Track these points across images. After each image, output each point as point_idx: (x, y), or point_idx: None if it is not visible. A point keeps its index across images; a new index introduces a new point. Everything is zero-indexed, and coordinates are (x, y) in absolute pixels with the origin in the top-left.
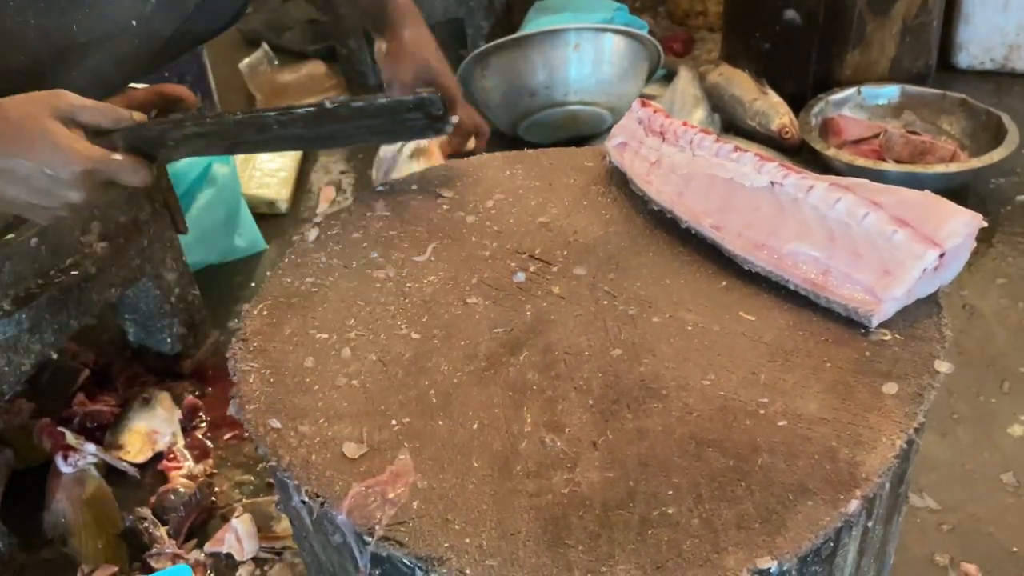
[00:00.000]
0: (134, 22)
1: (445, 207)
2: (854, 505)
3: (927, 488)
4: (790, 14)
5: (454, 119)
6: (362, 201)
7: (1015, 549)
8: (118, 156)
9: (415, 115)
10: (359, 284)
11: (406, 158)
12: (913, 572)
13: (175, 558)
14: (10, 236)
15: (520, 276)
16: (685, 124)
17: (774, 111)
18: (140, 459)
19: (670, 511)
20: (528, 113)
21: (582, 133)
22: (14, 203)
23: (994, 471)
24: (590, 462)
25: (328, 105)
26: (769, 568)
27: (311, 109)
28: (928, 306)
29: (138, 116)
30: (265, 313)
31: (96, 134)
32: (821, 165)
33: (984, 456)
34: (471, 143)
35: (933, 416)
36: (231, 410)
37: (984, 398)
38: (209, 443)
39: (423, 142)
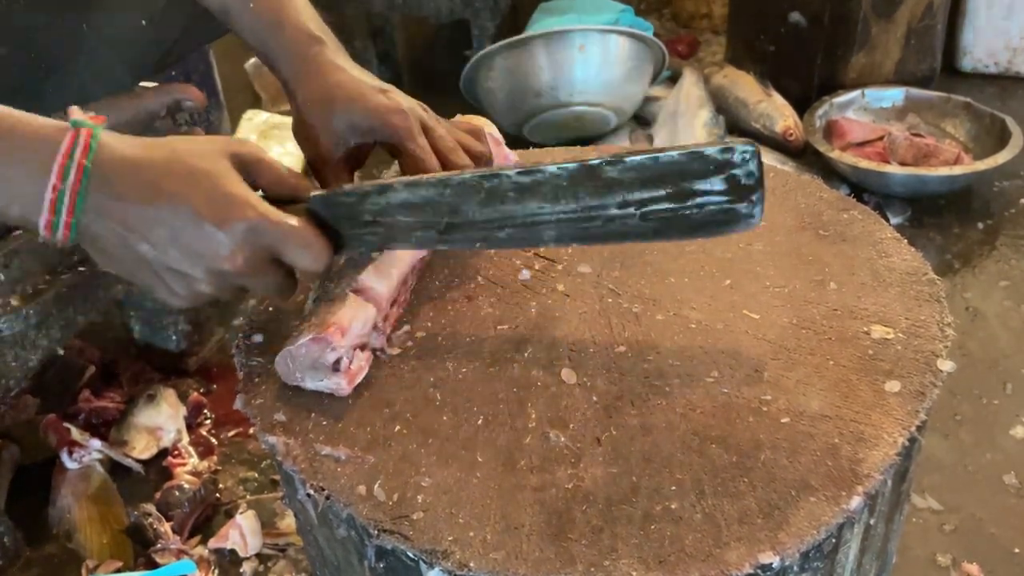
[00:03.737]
0: (143, 21)
1: None
2: (856, 502)
3: (929, 489)
4: (795, 17)
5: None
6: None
7: (1017, 550)
8: (294, 221)
9: (714, 182)
10: None
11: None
12: (915, 572)
13: (179, 554)
14: (18, 232)
15: (525, 274)
16: None
17: (778, 113)
18: (145, 455)
19: (673, 506)
20: (533, 114)
21: (587, 134)
22: (143, 266)
23: (996, 472)
24: (594, 457)
25: (594, 161)
26: (771, 563)
27: (568, 166)
28: (931, 306)
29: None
30: (271, 309)
31: (278, 203)
32: (825, 167)
33: (986, 457)
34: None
35: (935, 417)
36: (237, 404)
37: (987, 400)
38: (213, 440)
39: None
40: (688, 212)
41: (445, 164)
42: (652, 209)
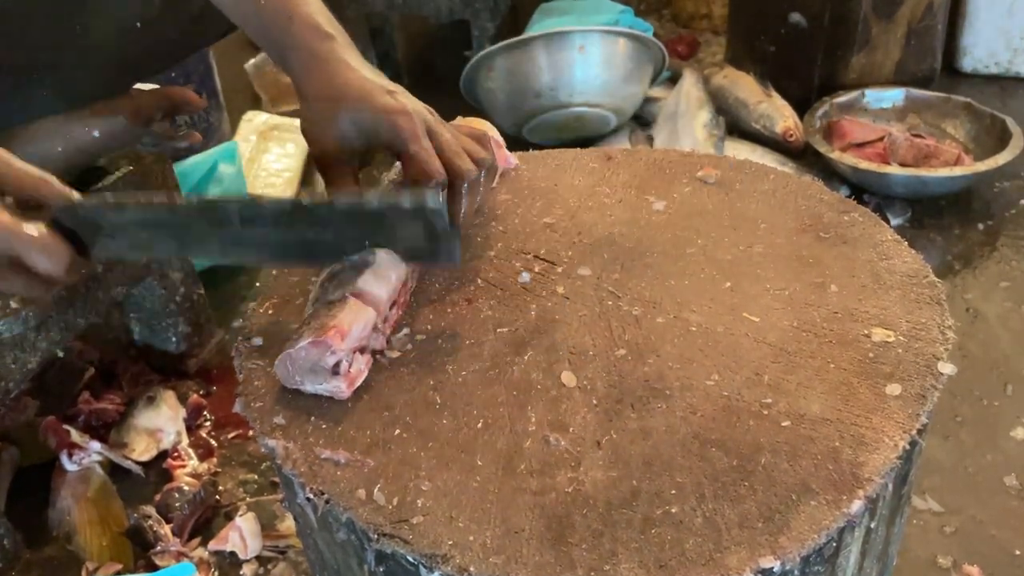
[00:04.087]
0: (139, 24)
1: None
2: (857, 505)
3: (930, 490)
4: (795, 17)
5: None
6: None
7: (1018, 552)
8: (33, 230)
9: (413, 227)
10: None
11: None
12: (916, 574)
13: (179, 556)
14: None
15: (525, 276)
16: None
17: (778, 114)
18: (145, 457)
19: (673, 510)
20: (533, 114)
21: (587, 135)
22: None
23: (997, 474)
24: (594, 461)
25: (304, 202)
26: (772, 567)
27: (282, 204)
28: (932, 308)
29: (75, 196)
30: (271, 312)
31: (26, 208)
32: (825, 168)
33: (987, 459)
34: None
35: (936, 419)
36: (237, 407)
37: (987, 401)
38: (213, 442)
39: None
40: (395, 248)
41: (448, 167)
42: (355, 235)
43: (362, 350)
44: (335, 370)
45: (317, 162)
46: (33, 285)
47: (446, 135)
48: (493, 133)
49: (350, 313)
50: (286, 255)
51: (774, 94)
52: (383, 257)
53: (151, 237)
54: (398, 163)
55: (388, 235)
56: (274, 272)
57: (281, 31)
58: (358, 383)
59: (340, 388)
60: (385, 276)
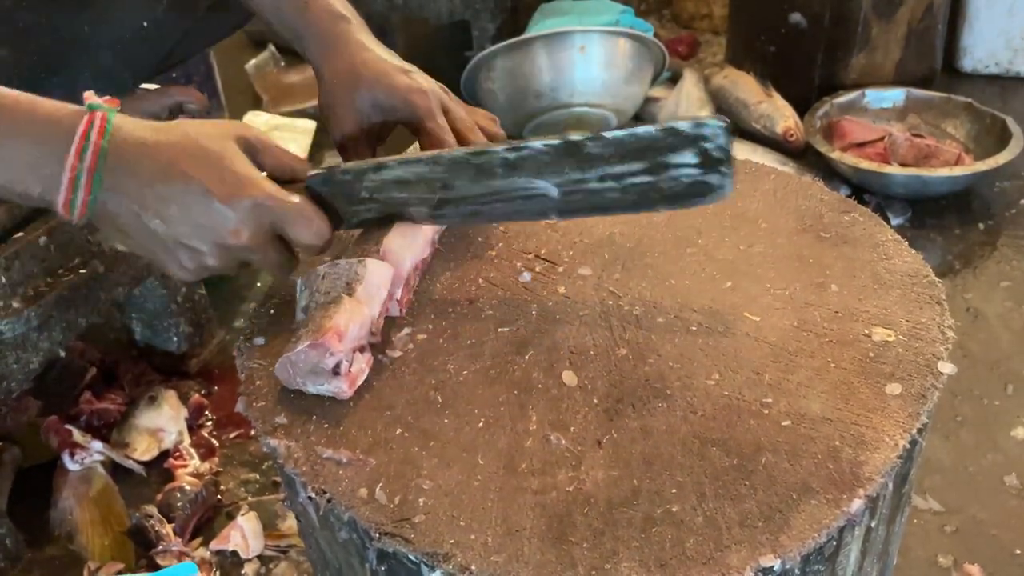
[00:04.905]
0: (144, 23)
1: None
2: (857, 504)
3: (930, 490)
4: (795, 17)
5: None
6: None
7: (1018, 551)
8: (296, 198)
9: (687, 155)
10: None
11: None
12: (916, 574)
13: (181, 556)
14: (19, 235)
15: (526, 276)
16: None
17: (779, 114)
18: (146, 457)
19: (674, 509)
20: (534, 115)
21: None
22: (154, 241)
23: (997, 473)
24: (594, 460)
25: (576, 138)
26: (772, 566)
27: (552, 143)
28: (932, 308)
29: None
30: (273, 312)
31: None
32: (825, 168)
33: (987, 458)
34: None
35: (936, 418)
36: (239, 406)
37: (987, 401)
38: (215, 441)
39: None
40: (663, 184)
41: (463, 143)
42: (630, 182)
43: (361, 349)
44: (335, 371)
45: (336, 141)
46: (287, 259)
47: (460, 112)
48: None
49: (346, 313)
50: (558, 211)
51: (774, 94)
52: (401, 229)
53: (407, 198)
54: (416, 142)
55: (659, 169)
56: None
57: (298, 14)
58: (359, 382)
59: (342, 388)
60: (411, 235)
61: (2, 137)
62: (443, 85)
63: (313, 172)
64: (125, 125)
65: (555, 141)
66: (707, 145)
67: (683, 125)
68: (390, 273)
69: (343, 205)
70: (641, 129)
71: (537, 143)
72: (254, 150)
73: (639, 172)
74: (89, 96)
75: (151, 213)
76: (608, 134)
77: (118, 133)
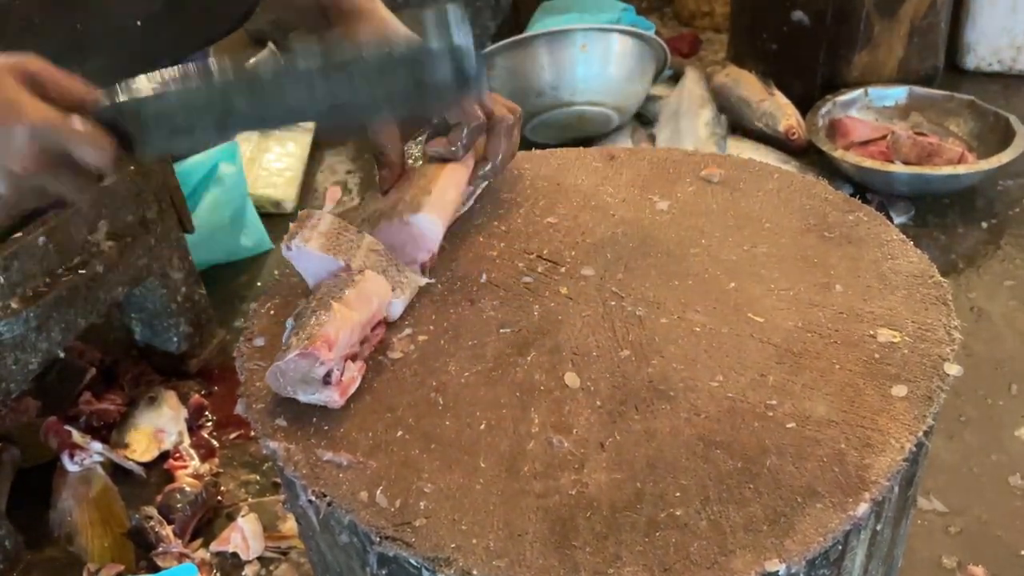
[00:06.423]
0: (140, 22)
1: None
2: (863, 508)
3: (934, 491)
4: (797, 15)
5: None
6: (369, 201)
7: (1022, 552)
8: (79, 123)
9: (443, 67)
10: None
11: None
12: (920, 575)
13: (181, 557)
14: (18, 235)
15: (528, 277)
16: None
17: (781, 112)
18: (146, 458)
19: (678, 513)
20: (535, 113)
21: (589, 133)
22: None
23: (1002, 474)
24: (597, 463)
25: (336, 58)
26: (777, 571)
27: (313, 61)
28: (937, 308)
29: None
30: (273, 312)
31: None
32: (828, 166)
33: (992, 459)
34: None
35: (941, 419)
36: (239, 408)
37: (992, 401)
38: (215, 442)
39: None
40: (423, 88)
41: (484, 112)
42: (389, 86)
43: (353, 357)
44: (326, 380)
45: None
46: (81, 182)
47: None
48: None
49: (336, 321)
50: (322, 117)
51: (776, 92)
52: (369, 277)
53: (191, 119)
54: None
55: (417, 80)
56: (276, 272)
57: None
58: (351, 391)
59: (332, 398)
60: (366, 297)
61: None
62: None
63: (101, 103)
64: None
65: (316, 59)
66: (460, 59)
67: (432, 47)
68: (387, 287)
69: (133, 129)
70: (395, 48)
71: (300, 64)
72: (39, 81)
73: (402, 82)
74: None
75: None
76: (366, 53)
77: None
